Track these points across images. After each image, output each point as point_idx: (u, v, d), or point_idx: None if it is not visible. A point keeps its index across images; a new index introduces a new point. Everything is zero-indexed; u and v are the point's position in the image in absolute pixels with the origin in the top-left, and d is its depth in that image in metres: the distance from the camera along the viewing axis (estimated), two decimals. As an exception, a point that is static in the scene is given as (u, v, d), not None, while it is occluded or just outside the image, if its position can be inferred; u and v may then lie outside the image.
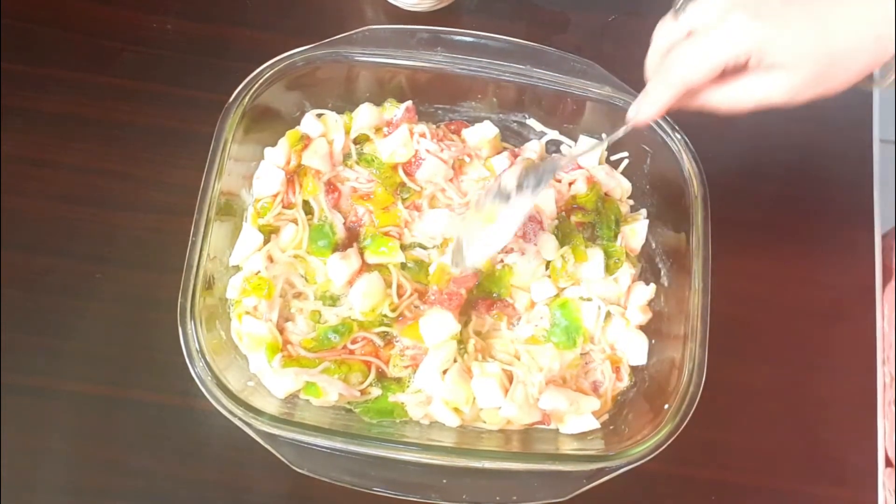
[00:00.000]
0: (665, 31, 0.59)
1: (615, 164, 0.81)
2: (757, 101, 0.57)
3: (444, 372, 0.71)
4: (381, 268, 0.75)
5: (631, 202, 0.81)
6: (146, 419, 0.73)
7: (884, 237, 0.86)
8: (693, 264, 0.70)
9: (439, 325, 0.71)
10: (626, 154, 0.80)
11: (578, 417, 0.72)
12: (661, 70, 0.58)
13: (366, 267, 0.75)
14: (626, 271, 0.77)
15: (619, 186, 0.80)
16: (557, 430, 0.73)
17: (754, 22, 0.53)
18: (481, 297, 0.75)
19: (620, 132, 0.64)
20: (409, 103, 0.80)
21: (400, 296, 0.74)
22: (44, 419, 0.73)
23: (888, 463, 0.78)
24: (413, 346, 0.73)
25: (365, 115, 0.79)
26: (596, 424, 0.72)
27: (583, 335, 0.75)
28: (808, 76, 0.55)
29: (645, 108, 0.59)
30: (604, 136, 0.77)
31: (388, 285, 0.74)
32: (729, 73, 0.56)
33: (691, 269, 0.70)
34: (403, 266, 0.75)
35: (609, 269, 0.77)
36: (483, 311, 0.75)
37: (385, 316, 0.73)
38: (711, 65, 0.55)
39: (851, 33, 0.54)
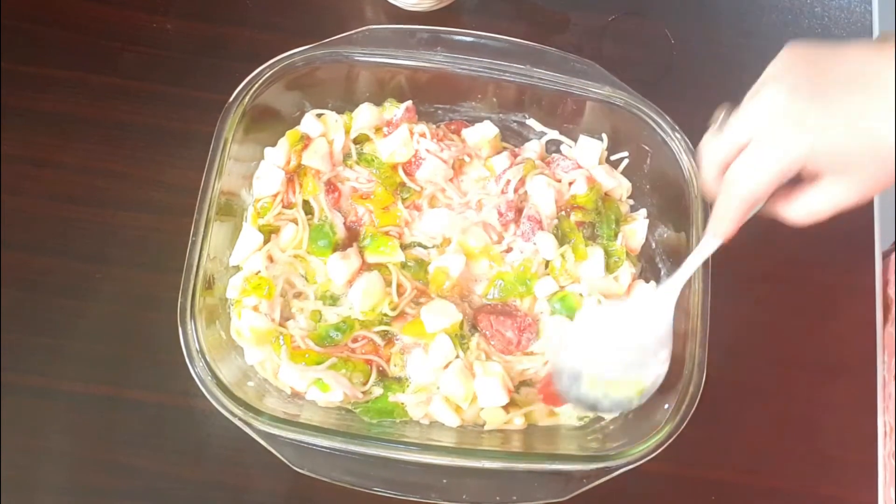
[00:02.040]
0: (713, 148, 0.59)
1: (615, 164, 0.81)
2: (829, 209, 0.57)
3: (445, 367, 0.71)
4: (381, 267, 0.75)
5: (631, 202, 0.81)
6: (146, 419, 0.73)
7: (884, 256, 0.85)
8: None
9: (441, 313, 0.71)
10: (625, 154, 0.80)
11: None
12: (723, 188, 0.59)
13: (366, 266, 0.75)
14: (627, 270, 0.77)
15: (620, 186, 0.80)
16: (558, 428, 0.73)
17: (800, 135, 0.53)
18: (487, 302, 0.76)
19: (704, 253, 0.65)
20: (408, 103, 0.80)
21: (400, 294, 0.74)
22: (44, 419, 0.73)
23: None
24: (414, 344, 0.73)
25: (365, 115, 0.79)
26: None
27: None
28: (866, 174, 0.54)
29: (721, 227, 0.61)
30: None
31: (388, 284, 0.74)
32: (796, 182, 0.56)
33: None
34: (403, 265, 0.76)
35: (609, 268, 0.77)
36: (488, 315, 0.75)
37: (385, 315, 0.73)
38: (769, 180, 0.55)
39: (887, 127, 0.52)
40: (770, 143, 0.55)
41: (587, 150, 0.80)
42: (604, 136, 0.80)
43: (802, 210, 0.59)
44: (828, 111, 0.53)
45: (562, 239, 0.76)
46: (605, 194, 0.80)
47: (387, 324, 0.73)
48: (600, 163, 0.81)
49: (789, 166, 0.55)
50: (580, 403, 0.69)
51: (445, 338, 0.71)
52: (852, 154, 0.54)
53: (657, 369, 0.67)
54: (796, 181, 0.57)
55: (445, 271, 0.74)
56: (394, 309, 0.73)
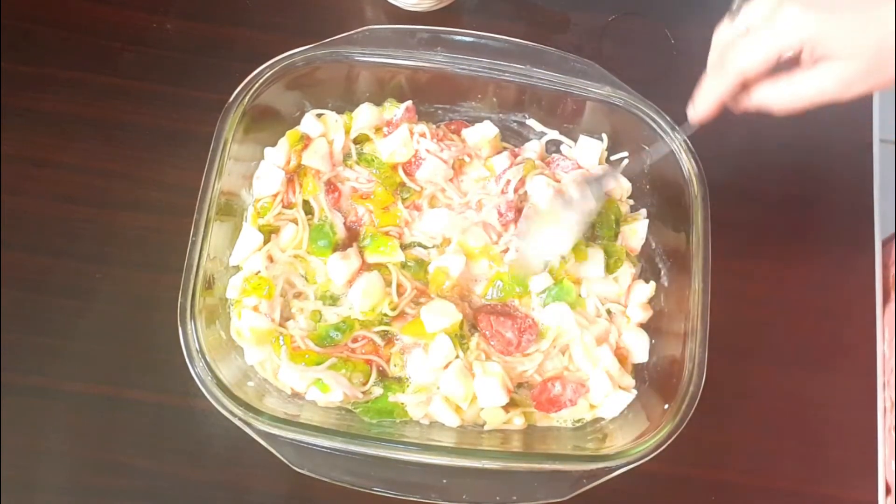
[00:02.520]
0: (722, 34, 0.60)
1: (615, 165, 0.81)
2: (811, 96, 0.57)
3: (445, 367, 0.71)
4: (381, 267, 0.75)
5: (631, 202, 0.81)
6: (146, 419, 0.73)
7: (884, 244, 0.85)
8: (693, 264, 0.70)
9: (441, 313, 0.71)
10: (625, 154, 0.80)
11: (615, 394, 0.72)
12: (716, 65, 0.59)
13: (366, 266, 0.75)
14: (627, 270, 0.77)
15: (620, 187, 0.80)
16: (558, 429, 0.73)
17: (806, 13, 0.54)
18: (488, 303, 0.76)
19: (685, 133, 0.66)
20: (408, 103, 0.80)
21: (400, 294, 0.74)
22: (44, 419, 0.73)
23: (888, 491, 0.77)
24: (413, 345, 0.73)
25: (365, 115, 0.79)
26: (631, 396, 0.72)
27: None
28: (860, 67, 0.55)
29: (699, 103, 0.61)
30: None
31: (388, 284, 0.74)
32: (783, 69, 0.57)
33: (691, 269, 0.70)
34: (403, 265, 0.76)
35: (609, 269, 0.77)
36: (488, 316, 0.75)
37: (385, 315, 0.73)
38: (765, 54, 0.56)
39: None
40: (773, 22, 0.55)
41: (587, 150, 0.80)
42: (604, 136, 0.80)
43: (782, 94, 0.58)
44: None
45: None
46: (605, 194, 0.80)
47: (387, 324, 0.73)
48: (600, 163, 0.81)
49: (788, 45, 0.55)
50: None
51: (445, 338, 0.71)
52: (854, 40, 0.54)
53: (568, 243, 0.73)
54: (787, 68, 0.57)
55: (445, 271, 0.74)
56: (394, 309, 0.73)
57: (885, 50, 0.54)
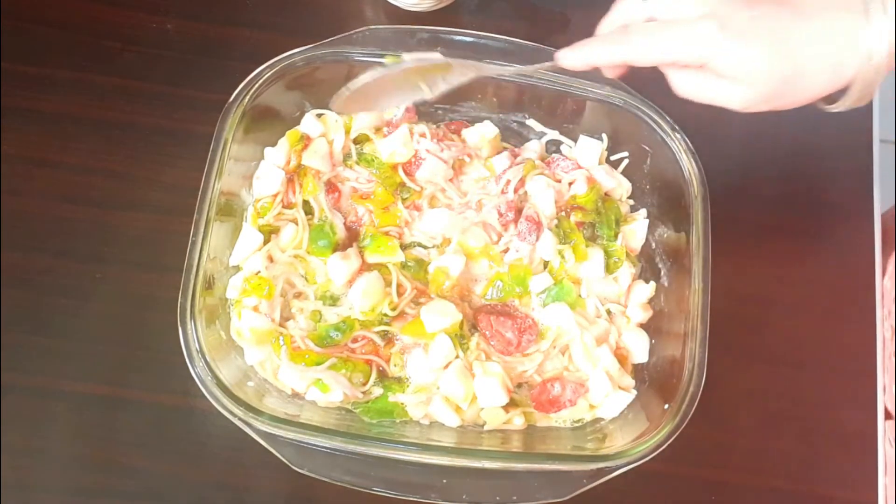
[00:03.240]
0: (627, 6, 0.59)
1: (615, 164, 0.81)
2: (711, 101, 0.57)
3: (445, 367, 0.71)
4: (381, 267, 0.75)
5: (631, 202, 0.81)
6: (146, 419, 0.73)
7: (883, 216, 0.86)
8: (693, 264, 0.70)
9: (441, 313, 0.71)
10: (626, 154, 0.80)
11: (615, 394, 0.72)
12: (612, 34, 0.58)
13: (366, 266, 0.75)
14: (626, 271, 0.77)
15: (620, 186, 0.80)
16: (558, 429, 0.73)
17: (720, 33, 0.54)
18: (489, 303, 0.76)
19: (537, 67, 0.64)
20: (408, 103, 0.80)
21: (400, 295, 0.74)
22: (44, 419, 0.73)
23: (888, 416, 0.78)
24: (413, 345, 0.73)
25: (365, 116, 0.79)
26: (631, 396, 0.72)
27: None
28: (762, 92, 0.55)
29: (573, 57, 0.59)
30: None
31: (388, 284, 0.74)
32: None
33: (691, 269, 0.71)
34: (403, 265, 0.75)
35: (609, 269, 0.77)
36: (488, 316, 0.75)
37: (385, 315, 0.73)
38: (662, 57, 0.56)
39: (811, 57, 0.54)
40: (685, 29, 0.55)
41: (587, 151, 0.80)
42: (604, 136, 0.80)
43: (685, 85, 0.58)
44: (755, 19, 0.54)
45: (562, 239, 0.76)
46: (605, 194, 0.80)
47: (387, 324, 0.73)
48: (600, 163, 0.81)
49: (688, 59, 0.55)
50: None
51: (445, 338, 0.71)
52: (759, 69, 0.54)
53: None
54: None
55: (445, 271, 0.74)
56: (394, 309, 0.73)
57: (788, 80, 0.54)
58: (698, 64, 0.55)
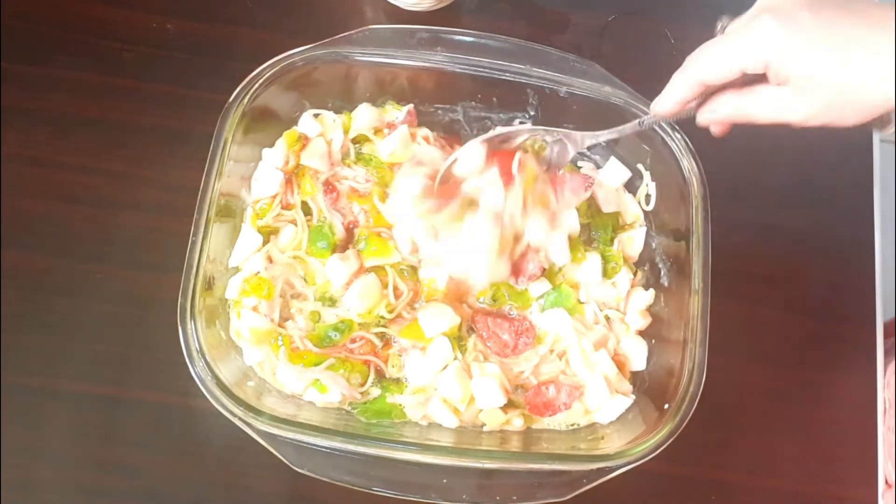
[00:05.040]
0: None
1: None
2: (771, 115, 0.56)
3: (443, 369, 0.71)
4: (379, 269, 0.75)
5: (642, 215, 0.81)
6: (146, 419, 0.73)
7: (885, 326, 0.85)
8: (693, 265, 0.70)
9: (439, 316, 0.71)
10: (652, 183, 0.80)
11: (613, 399, 0.72)
12: (682, 67, 0.58)
13: (364, 268, 0.74)
14: (625, 276, 0.77)
15: (632, 213, 0.80)
16: (557, 430, 0.73)
17: (781, 29, 0.53)
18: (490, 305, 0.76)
19: (635, 125, 0.65)
20: (410, 107, 0.80)
21: (397, 297, 0.74)
22: (44, 419, 0.73)
23: (888, 485, 0.77)
24: (412, 346, 0.72)
25: (364, 116, 0.79)
26: (629, 401, 0.72)
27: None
28: (823, 100, 0.54)
29: (661, 102, 0.60)
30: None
31: (385, 286, 0.74)
32: (750, 82, 0.56)
33: (691, 270, 0.70)
34: (399, 270, 0.75)
35: (607, 273, 0.77)
36: (485, 317, 0.75)
37: (382, 317, 0.73)
38: (730, 65, 0.55)
39: (870, 67, 0.52)
40: (746, 31, 0.54)
41: (613, 174, 0.80)
42: (647, 175, 0.79)
43: (744, 108, 0.57)
44: (818, 21, 0.52)
45: None
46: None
47: (384, 326, 0.73)
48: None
49: (754, 60, 0.54)
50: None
51: (445, 339, 0.71)
52: (819, 70, 0.53)
53: None
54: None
55: (433, 282, 0.74)
56: (390, 312, 0.73)
57: (846, 89, 0.53)
58: (762, 69, 0.54)
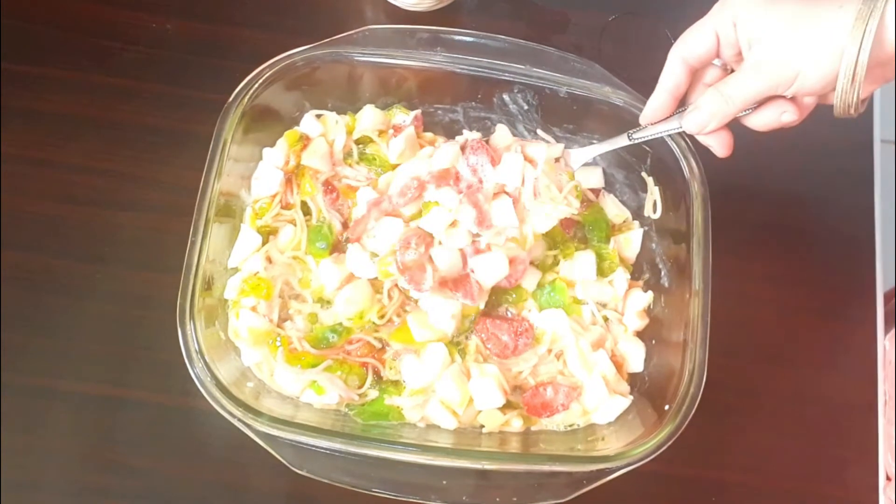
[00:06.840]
0: (695, 50, 0.65)
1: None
2: (743, 94, 0.61)
3: (441, 372, 0.71)
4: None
5: (636, 223, 0.81)
6: (146, 419, 0.73)
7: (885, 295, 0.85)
8: (693, 265, 0.70)
9: (430, 320, 0.71)
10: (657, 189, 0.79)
11: (611, 399, 0.72)
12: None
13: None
14: (622, 275, 0.77)
15: (615, 214, 0.80)
16: (556, 431, 0.73)
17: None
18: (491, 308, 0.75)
19: (631, 136, 0.70)
20: (418, 112, 0.79)
21: (390, 300, 0.73)
22: (44, 419, 0.73)
23: (888, 479, 0.77)
24: (405, 350, 0.72)
25: (369, 118, 0.79)
26: (627, 401, 0.72)
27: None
28: (771, 70, 0.58)
29: (652, 98, 0.66)
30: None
31: (378, 291, 0.73)
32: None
33: (692, 270, 0.70)
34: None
35: (602, 272, 0.77)
36: (484, 318, 0.74)
37: (373, 322, 0.72)
38: (705, 30, 0.62)
39: (814, 43, 0.56)
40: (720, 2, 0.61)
41: (588, 178, 0.80)
42: (650, 181, 0.79)
43: (725, 90, 0.62)
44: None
45: (553, 245, 0.76)
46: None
47: (375, 331, 0.73)
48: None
49: (726, 19, 0.60)
50: None
51: (441, 346, 0.71)
52: (774, 43, 0.58)
53: None
54: None
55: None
56: (381, 317, 0.72)
57: (789, 66, 0.58)
58: (731, 28, 0.60)
